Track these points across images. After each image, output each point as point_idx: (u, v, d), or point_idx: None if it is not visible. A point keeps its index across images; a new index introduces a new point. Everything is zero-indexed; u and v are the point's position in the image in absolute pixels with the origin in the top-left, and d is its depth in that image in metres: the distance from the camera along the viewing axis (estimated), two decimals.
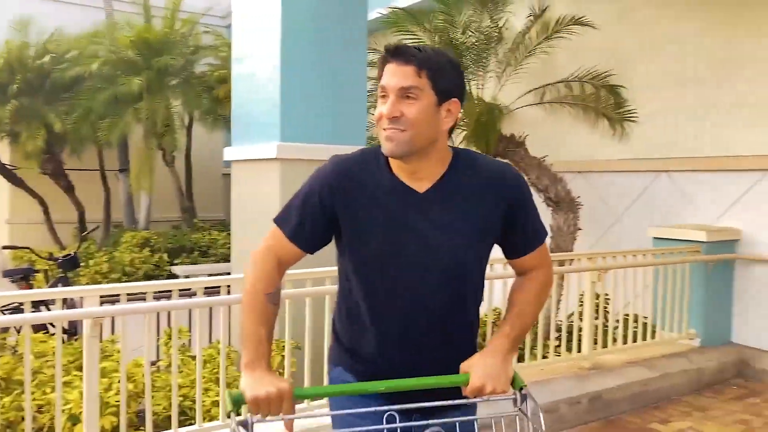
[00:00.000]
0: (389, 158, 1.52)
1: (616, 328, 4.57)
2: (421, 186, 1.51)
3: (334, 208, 1.52)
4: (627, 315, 4.63)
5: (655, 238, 5.15)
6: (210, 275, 7.85)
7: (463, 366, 1.48)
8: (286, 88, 4.37)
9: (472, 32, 6.36)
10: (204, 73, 10.43)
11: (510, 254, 1.64)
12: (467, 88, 5.12)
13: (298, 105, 4.39)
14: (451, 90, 1.49)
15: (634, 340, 4.61)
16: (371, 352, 1.57)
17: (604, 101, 6.06)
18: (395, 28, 6.47)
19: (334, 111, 4.53)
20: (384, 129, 1.46)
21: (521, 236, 1.60)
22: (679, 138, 5.56)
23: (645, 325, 4.70)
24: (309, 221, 1.54)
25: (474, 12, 6.57)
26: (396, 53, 1.46)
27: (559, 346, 4.32)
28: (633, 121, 5.85)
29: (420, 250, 1.50)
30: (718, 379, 4.69)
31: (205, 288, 3.27)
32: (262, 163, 4.51)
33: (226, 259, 8.33)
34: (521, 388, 1.44)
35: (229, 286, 3.38)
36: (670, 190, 5.63)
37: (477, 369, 1.45)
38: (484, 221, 1.53)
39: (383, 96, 1.47)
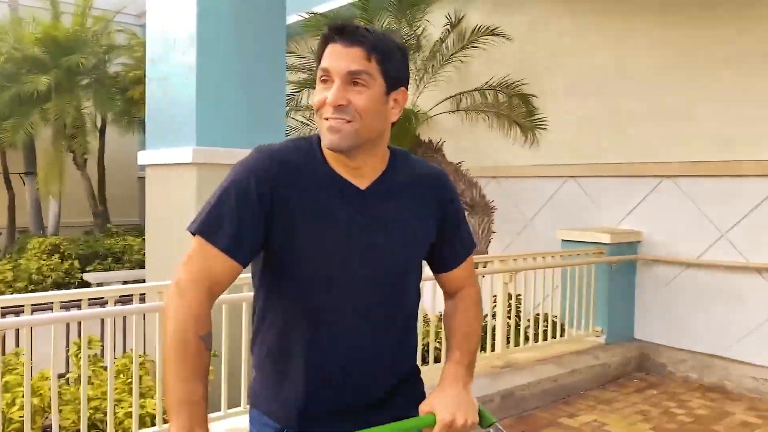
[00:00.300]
0: (327, 151, 1.32)
1: (527, 327, 4.77)
2: (362, 183, 1.34)
3: (272, 205, 1.27)
4: (538, 314, 4.85)
5: (563, 240, 5.41)
6: (125, 282, 7.63)
7: (424, 407, 1.31)
8: (203, 91, 4.30)
9: None
10: (118, 73, 10.10)
11: (440, 267, 1.50)
12: None
13: (215, 108, 4.34)
14: (401, 78, 1.33)
15: (545, 339, 4.84)
16: (301, 382, 1.34)
17: (516, 109, 6.32)
18: (315, 32, 6.51)
19: (252, 114, 4.49)
20: (326, 118, 1.26)
21: (453, 245, 1.48)
22: (585, 145, 5.87)
23: (554, 323, 4.94)
24: (247, 225, 1.26)
25: (393, 19, 6.70)
26: (342, 32, 1.27)
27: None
28: (543, 128, 6.12)
29: (368, 255, 1.32)
30: (621, 373, 4.98)
31: (120, 296, 3.19)
32: (177, 168, 4.42)
33: (142, 265, 8.09)
34: (492, 424, 1.32)
35: (143, 294, 3.31)
36: (577, 195, 5.94)
37: (441, 404, 1.29)
38: (425, 224, 1.41)
39: (324, 80, 1.28)
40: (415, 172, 1.42)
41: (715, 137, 4.97)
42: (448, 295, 1.53)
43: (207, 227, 1.25)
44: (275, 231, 1.28)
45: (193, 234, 1.27)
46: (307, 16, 6.73)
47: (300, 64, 6.67)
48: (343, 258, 1.31)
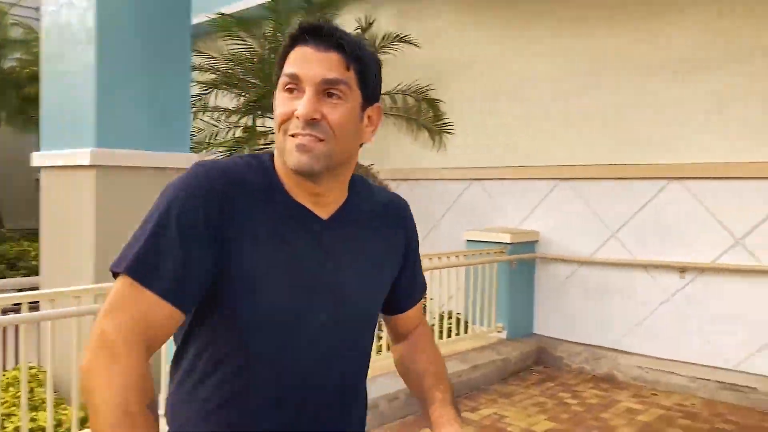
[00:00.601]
0: (284, 172, 1.12)
1: (433, 324, 4.91)
2: (324, 212, 1.14)
3: (223, 234, 1.03)
4: (443, 312, 5.00)
5: (468, 240, 5.62)
6: (20, 290, 7.21)
7: None
8: (102, 90, 4.17)
9: None
10: (13, 69, 9.55)
11: (394, 309, 1.34)
12: None
13: (116, 108, 4.21)
14: (377, 92, 1.16)
15: (449, 335, 5.00)
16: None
17: (424, 114, 6.48)
18: (224, 33, 6.42)
19: (156, 115, 4.39)
20: (293, 135, 1.05)
21: (410, 284, 1.33)
22: (489, 149, 6.11)
23: (459, 320, 5.11)
24: (193, 263, 1.00)
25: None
26: (317, 32, 1.06)
27: (380, 344, 4.56)
28: (450, 132, 6.31)
29: (326, 296, 1.12)
30: (521, 367, 5.21)
31: (13, 304, 3.04)
32: (75, 170, 4.26)
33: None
34: None
35: (36, 302, 3.17)
36: (481, 197, 6.17)
37: None
38: (390, 260, 1.26)
39: (290, 89, 1.06)
40: (378, 201, 1.25)
41: (606, 142, 5.31)
42: (400, 336, 1.38)
43: (140, 266, 0.98)
44: (222, 271, 1.04)
45: (116, 275, 1.00)
46: (214, 16, 6.62)
47: (207, 64, 6.56)
48: (309, 310, 1.11)
